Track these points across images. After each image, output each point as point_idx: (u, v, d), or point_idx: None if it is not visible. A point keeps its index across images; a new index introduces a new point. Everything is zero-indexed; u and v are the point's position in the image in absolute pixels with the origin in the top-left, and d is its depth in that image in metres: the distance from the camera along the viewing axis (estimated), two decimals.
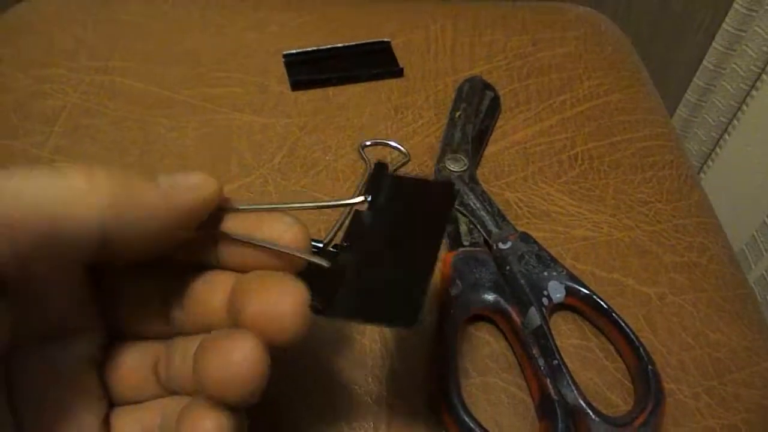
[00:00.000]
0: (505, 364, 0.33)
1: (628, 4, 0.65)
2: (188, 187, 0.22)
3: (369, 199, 0.26)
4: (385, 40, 0.49)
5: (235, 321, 0.22)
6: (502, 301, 0.34)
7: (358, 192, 0.39)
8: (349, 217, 0.37)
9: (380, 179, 0.26)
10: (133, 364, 0.25)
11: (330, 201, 0.24)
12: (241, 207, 0.24)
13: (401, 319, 0.23)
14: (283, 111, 0.44)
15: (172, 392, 0.25)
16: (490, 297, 0.34)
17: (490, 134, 0.44)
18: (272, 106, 0.44)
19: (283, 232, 0.24)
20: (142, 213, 0.21)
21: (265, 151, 0.42)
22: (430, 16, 0.52)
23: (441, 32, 0.51)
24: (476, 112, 0.44)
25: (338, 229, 0.38)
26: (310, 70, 0.46)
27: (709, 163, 0.76)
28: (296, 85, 0.46)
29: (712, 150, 0.75)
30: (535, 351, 0.32)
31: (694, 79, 0.72)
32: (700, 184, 0.43)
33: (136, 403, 0.25)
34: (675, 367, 0.34)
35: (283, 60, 0.47)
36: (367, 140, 0.42)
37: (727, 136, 0.72)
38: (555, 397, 0.30)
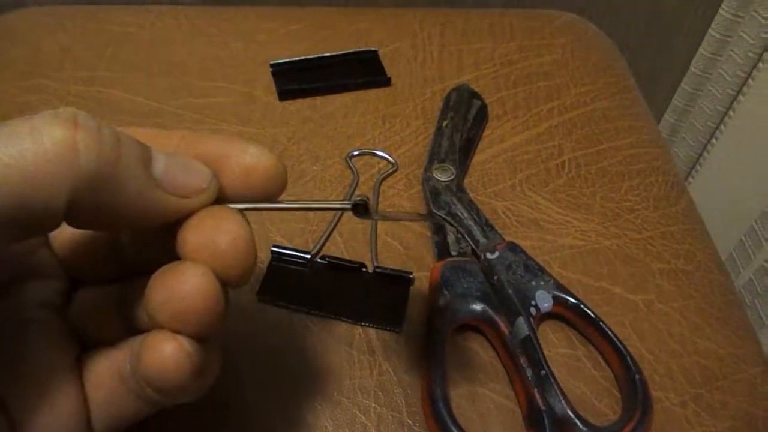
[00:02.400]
0: (493, 374, 0.33)
1: (614, 11, 0.65)
2: (190, 189, 0.22)
3: (355, 203, 0.26)
4: (373, 48, 0.49)
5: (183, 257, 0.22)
6: (489, 311, 0.34)
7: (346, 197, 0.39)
8: (333, 226, 0.37)
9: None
10: (97, 306, 0.25)
11: (320, 202, 0.25)
12: (231, 206, 0.24)
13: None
14: (270, 121, 0.44)
15: (139, 331, 0.24)
16: (477, 307, 0.34)
17: (478, 143, 0.44)
18: (260, 116, 0.44)
19: (253, 165, 0.23)
20: (122, 201, 0.20)
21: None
22: (418, 24, 0.52)
23: (428, 40, 0.51)
24: (464, 121, 0.44)
25: (326, 240, 0.38)
26: (298, 80, 0.46)
27: (697, 168, 0.76)
28: (283, 95, 0.46)
29: (700, 155, 0.75)
30: (522, 361, 0.32)
31: (681, 85, 0.72)
32: (687, 191, 0.44)
33: (106, 344, 0.25)
34: (662, 375, 0.34)
35: (271, 69, 0.47)
36: (355, 150, 0.42)
37: (714, 141, 0.72)
38: (543, 408, 0.30)
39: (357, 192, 0.40)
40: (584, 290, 0.36)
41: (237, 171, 0.23)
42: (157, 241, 0.24)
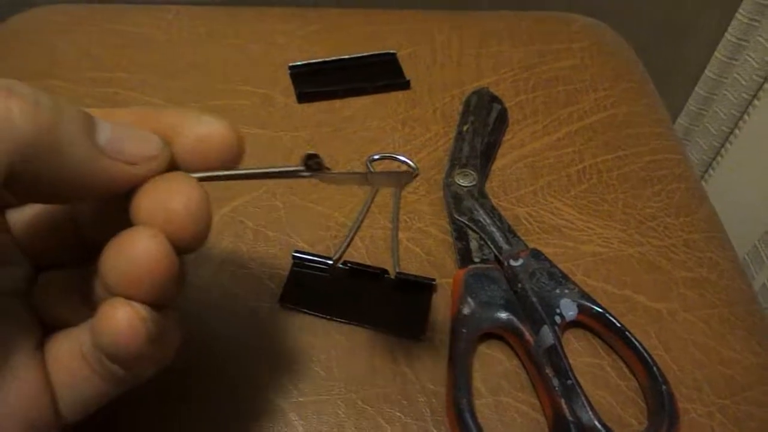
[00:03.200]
0: (517, 383, 0.33)
1: (630, 13, 0.65)
2: (138, 157, 0.22)
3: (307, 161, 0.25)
4: (391, 51, 0.49)
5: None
6: (514, 320, 0.33)
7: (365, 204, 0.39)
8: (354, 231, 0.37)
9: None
10: (58, 289, 0.25)
11: (276, 168, 0.25)
12: (188, 175, 0.23)
13: None
14: (289, 124, 0.44)
15: None
16: (502, 315, 0.34)
17: (498, 148, 0.43)
18: (279, 119, 0.44)
19: (207, 134, 0.23)
20: (65, 170, 0.20)
21: (271, 164, 0.41)
22: (436, 27, 0.52)
23: (447, 43, 0.51)
24: (484, 126, 0.44)
25: (347, 246, 0.37)
26: (317, 82, 0.46)
27: (710, 172, 0.76)
28: (302, 98, 0.45)
29: (713, 159, 0.75)
30: (548, 370, 0.32)
31: (696, 89, 0.72)
32: (707, 198, 0.43)
33: (69, 326, 0.25)
34: (688, 386, 0.33)
35: (289, 72, 0.47)
36: (375, 154, 0.42)
37: (728, 145, 0.72)
38: (570, 418, 0.30)
39: (377, 198, 0.40)
40: (608, 298, 0.36)
41: (191, 140, 0.23)
42: (116, 222, 0.23)
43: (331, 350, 0.33)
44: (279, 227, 0.38)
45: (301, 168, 0.25)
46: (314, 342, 0.34)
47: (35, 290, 0.25)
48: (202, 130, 0.23)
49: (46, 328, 0.25)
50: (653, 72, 0.53)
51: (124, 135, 0.22)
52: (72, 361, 0.24)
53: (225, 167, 0.24)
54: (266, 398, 0.31)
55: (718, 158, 0.74)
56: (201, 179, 0.23)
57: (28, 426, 0.23)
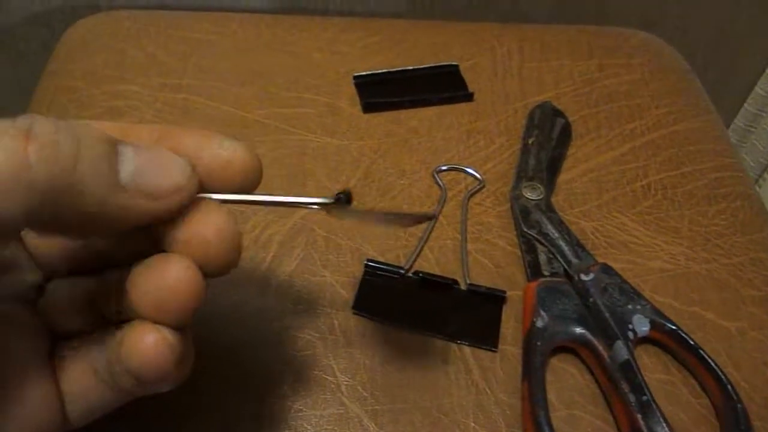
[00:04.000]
0: (590, 398, 0.33)
1: (682, 28, 0.65)
2: (164, 191, 0.21)
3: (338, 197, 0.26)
4: (454, 63, 0.49)
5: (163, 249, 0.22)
6: (587, 334, 0.34)
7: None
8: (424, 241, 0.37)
9: None
10: (67, 298, 0.25)
11: (297, 198, 0.26)
12: (212, 196, 0.23)
13: None
14: (355, 133, 0.44)
15: (110, 323, 0.24)
16: (576, 329, 0.34)
17: (563, 161, 0.44)
18: (345, 128, 0.45)
19: (229, 158, 0.23)
20: (85, 209, 0.20)
21: (340, 173, 0.42)
22: (496, 39, 0.52)
23: (508, 56, 0.51)
24: (548, 139, 0.44)
25: (418, 255, 0.38)
26: (381, 93, 0.47)
27: (756, 188, 0.75)
28: (368, 108, 0.46)
29: (760, 176, 0.75)
30: (624, 386, 0.32)
31: (745, 105, 0.71)
32: None
33: (77, 335, 0.25)
34: (760, 405, 0.33)
35: (354, 82, 0.47)
36: (443, 165, 0.43)
37: None
38: None
39: (445, 208, 0.40)
40: (676, 315, 0.36)
41: (213, 165, 0.23)
42: (131, 234, 0.23)
43: (404, 359, 0.34)
44: (349, 236, 0.39)
45: (325, 200, 0.25)
46: (388, 350, 0.34)
47: (44, 299, 0.25)
48: (225, 154, 0.23)
49: (55, 335, 0.25)
50: (703, 87, 0.53)
51: (148, 166, 0.21)
52: (83, 374, 0.24)
53: (242, 192, 0.24)
54: (342, 404, 0.32)
55: (765, 175, 0.74)
56: (222, 202, 0.23)
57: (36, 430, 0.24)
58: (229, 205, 0.23)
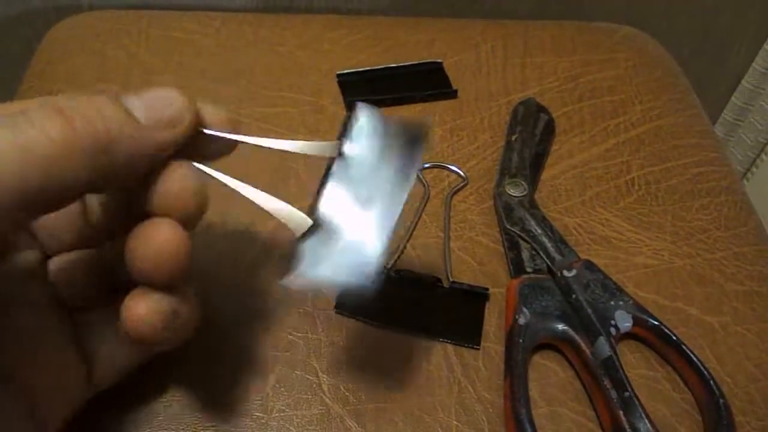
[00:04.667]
0: (573, 394, 0.33)
1: (668, 23, 0.65)
2: (172, 119, 0.24)
3: (342, 145, 0.28)
4: (438, 60, 0.49)
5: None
6: (570, 331, 0.34)
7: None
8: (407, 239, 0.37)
9: (353, 124, 0.29)
10: (78, 270, 0.29)
11: (305, 143, 0.28)
12: (207, 131, 0.26)
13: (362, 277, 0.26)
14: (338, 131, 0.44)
15: (122, 289, 0.26)
16: (558, 326, 0.34)
17: (547, 158, 0.43)
18: (328, 127, 0.44)
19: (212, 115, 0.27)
20: (122, 161, 0.23)
21: (322, 172, 0.42)
22: (480, 36, 0.52)
23: (491, 52, 0.51)
24: (532, 136, 0.44)
25: (400, 254, 0.38)
26: (365, 91, 0.46)
27: (744, 182, 0.75)
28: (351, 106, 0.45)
29: (748, 170, 0.75)
30: (606, 382, 0.32)
31: (732, 98, 0.71)
32: (754, 210, 0.43)
33: (87, 304, 0.28)
34: (742, 399, 0.33)
35: (337, 80, 0.47)
36: (425, 163, 0.42)
37: (764, 156, 0.72)
38: (628, 430, 0.30)
39: (428, 206, 0.40)
40: (659, 310, 0.36)
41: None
42: (121, 207, 0.28)
43: (386, 358, 0.34)
44: None
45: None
46: (370, 350, 0.34)
47: (54, 273, 0.28)
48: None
49: (73, 306, 0.28)
50: (690, 81, 0.53)
51: (152, 102, 0.24)
52: (106, 339, 0.28)
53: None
54: (324, 404, 0.32)
55: (753, 168, 0.74)
56: (217, 135, 0.26)
57: (66, 397, 0.27)
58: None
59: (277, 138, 0.28)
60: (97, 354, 0.28)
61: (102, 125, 0.22)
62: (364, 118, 0.29)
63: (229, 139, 0.27)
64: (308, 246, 0.27)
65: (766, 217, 0.66)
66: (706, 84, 0.71)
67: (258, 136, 0.28)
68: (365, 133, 0.28)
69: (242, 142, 0.27)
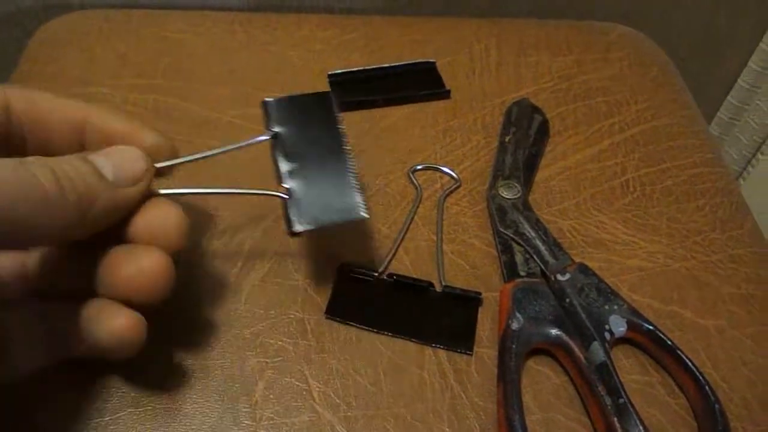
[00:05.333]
0: (567, 400, 0.33)
1: (664, 22, 0.65)
2: (139, 173, 0.28)
3: (272, 129, 0.34)
4: (431, 60, 0.49)
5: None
6: (564, 336, 0.33)
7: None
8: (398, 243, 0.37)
9: (271, 113, 0.35)
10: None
11: (252, 190, 0.33)
12: (161, 191, 0.30)
13: (354, 212, 0.32)
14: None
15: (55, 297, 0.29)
16: (552, 331, 0.33)
17: (541, 159, 0.43)
18: None
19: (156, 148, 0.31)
20: (100, 214, 0.26)
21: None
22: (474, 35, 0.52)
23: (485, 52, 0.51)
24: (526, 137, 0.43)
25: (392, 258, 0.37)
26: (356, 91, 0.46)
27: (741, 182, 0.75)
28: (343, 107, 0.45)
29: (744, 169, 0.75)
30: (600, 388, 0.31)
31: (728, 98, 0.71)
32: (750, 211, 0.43)
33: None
34: (738, 405, 0.33)
35: (328, 80, 0.47)
36: (418, 165, 0.42)
37: (760, 156, 0.71)
38: None
39: (420, 209, 0.40)
40: (654, 314, 0.36)
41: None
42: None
43: (378, 364, 0.33)
44: (323, 239, 0.38)
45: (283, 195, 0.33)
46: (361, 355, 0.33)
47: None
48: (151, 142, 0.30)
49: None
50: (686, 80, 0.53)
51: (120, 163, 0.28)
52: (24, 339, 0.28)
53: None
54: (315, 411, 0.31)
55: (749, 168, 0.74)
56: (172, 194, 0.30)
57: None
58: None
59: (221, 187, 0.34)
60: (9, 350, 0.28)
61: (82, 186, 0.25)
62: (277, 105, 0.35)
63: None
64: (294, 204, 0.32)
65: (762, 215, 0.66)
66: (702, 83, 0.71)
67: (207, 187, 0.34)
68: (284, 115, 0.35)
69: (194, 194, 0.33)
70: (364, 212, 0.32)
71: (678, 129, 0.46)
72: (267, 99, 0.35)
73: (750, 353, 0.35)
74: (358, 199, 0.33)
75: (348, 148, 0.34)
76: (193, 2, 0.57)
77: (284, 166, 0.33)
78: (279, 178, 0.33)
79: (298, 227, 0.31)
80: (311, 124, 0.35)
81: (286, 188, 0.32)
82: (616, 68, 0.50)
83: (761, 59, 0.67)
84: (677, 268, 0.38)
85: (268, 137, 0.34)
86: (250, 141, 0.33)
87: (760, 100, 0.69)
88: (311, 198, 0.32)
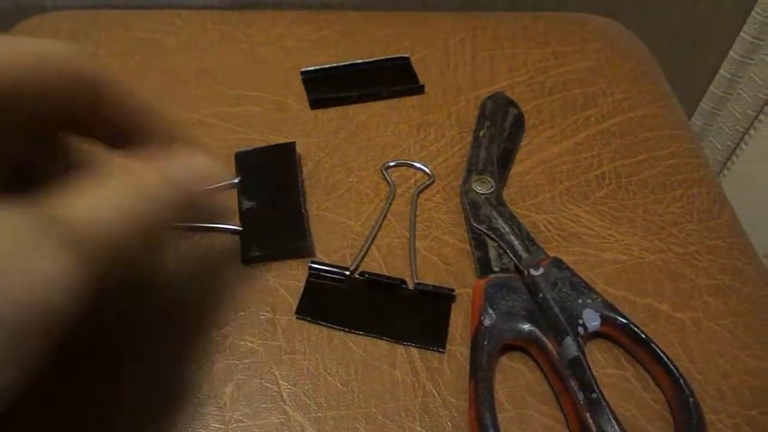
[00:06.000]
0: (541, 396, 0.32)
1: (644, 13, 0.64)
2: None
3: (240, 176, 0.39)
4: (405, 55, 0.48)
5: None
6: (536, 331, 0.33)
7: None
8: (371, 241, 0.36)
9: (241, 162, 0.40)
10: None
11: (213, 224, 0.38)
12: None
13: (299, 243, 0.37)
14: (302, 130, 0.43)
15: None
16: (524, 326, 0.33)
17: (516, 153, 0.43)
18: (291, 126, 0.43)
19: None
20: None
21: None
22: (450, 29, 0.51)
23: (460, 46, 0.50)
24: (500, 131, 0.43)
25: (364, 255, 0.37)
26: (330, 88, 0.45)
27: (725, 172, 0.75)
28: (315, 104, 0.45)
29: (728, 159, 0.74)
30: (572, 383, 0.31)
31: (711, 88, 0.71)
32: (728, 202, 0.42)
33: None
34: (713, 397, 0.33)
35: (301, 77, 0.46)
36: (391, 161, 0.41)
37: (743, 145, 0.71)
38: None
39: (393, 205, 0.39)
40: (630, 308, 0.35)
41: None
42: None
43: (349, 363, 0.33)
44: None
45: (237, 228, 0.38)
46: (333, 355, 0.33)
47: None
48: None
49: None
50: (667, 71, 0.52)
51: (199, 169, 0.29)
52: None
53: None
54: (284, 413, 0.31)
55: (733, 158, 0.74)
56: None
57: None
58: None
59: None
60: None
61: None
62: (245, 155, 0.40)
63: None
64: (247, 236, 0.37)
65: (746, 205, 0.66)
66: (684, 73, 0.71)
67: None
68: (251, 163, 0.40)
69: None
70: (307, 243, 0.37)
71: (655, 120, 0.46)
72: (237, 150, 0.41)
73: (726, 344, 0.35)
74: (304, 232, 0.37)
75: (301, 188, 0.39)
76: (169, 2, 0.57)
77: (245, 205, 0.38)
78: (240, 214, 0.38)
79: (248, 254, 0.36)
80: (273, 169, 0.40)
81: (241, 223, 0.37)
82: (592, 60, 0.50)
83: (742, 48, 0.66)
84: (653, 260, 0.38)
85: (235, 182, 0.39)
86: (220, 185, 0.34)
87: (742, 90, 0.69)
88: (263, 230, 0.37)
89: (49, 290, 0.19)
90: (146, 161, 0.26)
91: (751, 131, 0.70)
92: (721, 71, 0.69)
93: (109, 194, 0.23)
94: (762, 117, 0.68)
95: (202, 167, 0.28)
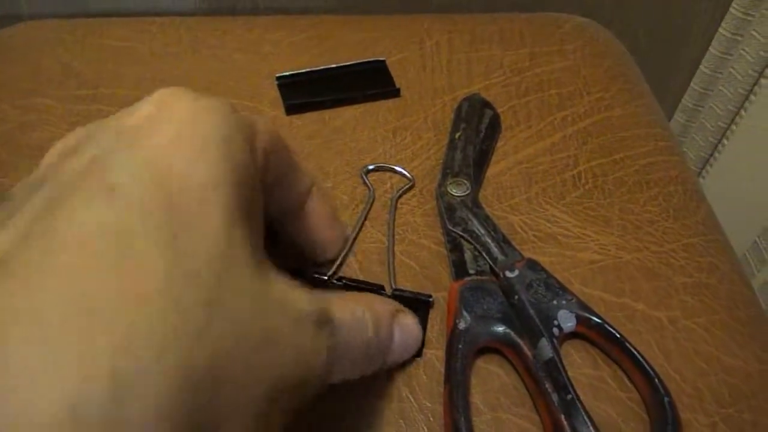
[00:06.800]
0: (517, 399, 0.32)
1: (622, 11, 0.64)
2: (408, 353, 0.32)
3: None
4: (381, 59, 0.48)
5: None
6: (512, 333, 0.33)
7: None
8: (349, 247, 0.36)
9: None
10: None
11: None
12: None
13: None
14: None
15: None
16: (499, 329, 0.33)
17: (492, 155, 0.43)
18: None
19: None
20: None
21: None
22: (425, 32, 0.51)
23: (436, 48, 0.50)
24: (476, 132, 0.43)
25: (342, 261, 0.37)
26: (305, 93, 0.45)
27: (707, 168, 0.75)
28: (291, 110, 0.44)
29: (711, 155, 0.74)
30: (547, 385, 0.31)
31: (692, 84, 0.71)
32: (705, 199, 0.43)
33: None
34: (690, 396, 0.33)
35: (277, 83, 0.46)
36: (370, 165, 0.41)
37: (725, 141, 0.71)
38: None
39: (371, 211, 0.39)
40: (606, 308, 0.35)
41: None
42: None
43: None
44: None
45: None
46: None
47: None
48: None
49: None
50: (647, 69, 0.53)
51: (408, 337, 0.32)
52: None
53: None
54: None
55: (716, 154, 0.74)
56: None
57: None
58: None
59: None
60: None
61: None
62: None
63: None
64: None
65: (727, 200, 0.66)
66: (665, 71, 0.71)
67: None
68: None
69: None
70: None
71: (631, 119, 0.46)
72: None
73: (702, 343, 0.35)
74: None
75: None
76: (145, 7, 0.57)
77: None
78: None
79: None
80: None
81: None
82: (569, 60, 0.50)
83: (722, 45, 0.66)
84: (629, 259, 0.38)
85: None
86: None
87: (722, 86, 0.69)
88: None
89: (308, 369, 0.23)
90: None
91: (733, 126, 0.70)
92: (701, 68, 0.69)
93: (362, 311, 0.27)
94: (743, 112, 0.68)
95: (415, 341, 0.32)
